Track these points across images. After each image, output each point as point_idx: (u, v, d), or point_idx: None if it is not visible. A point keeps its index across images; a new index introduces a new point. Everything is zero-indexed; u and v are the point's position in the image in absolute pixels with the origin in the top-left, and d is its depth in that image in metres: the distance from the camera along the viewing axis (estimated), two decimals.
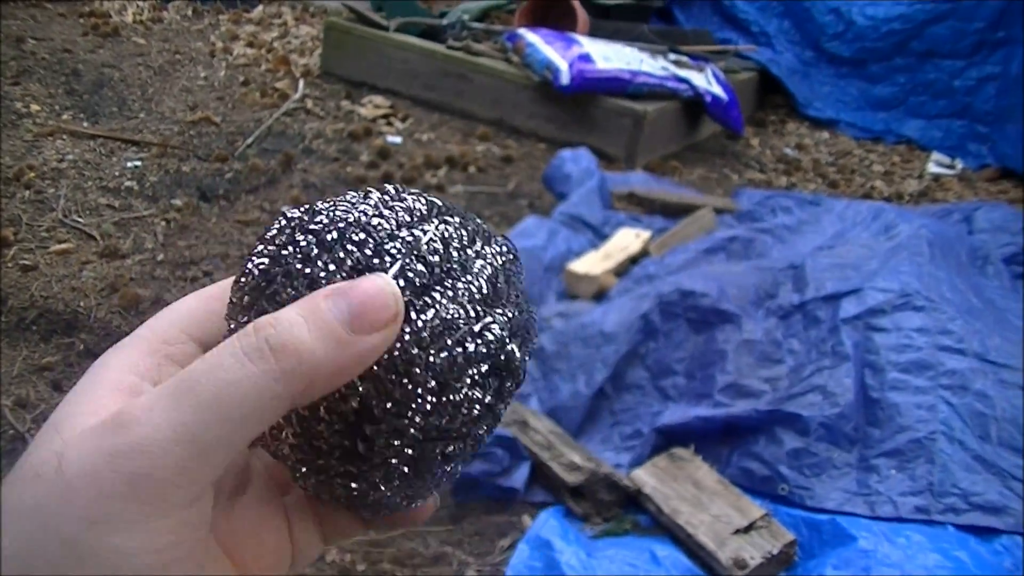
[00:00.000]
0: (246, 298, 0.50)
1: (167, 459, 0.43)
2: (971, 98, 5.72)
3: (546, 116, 4.94)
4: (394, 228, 0.50)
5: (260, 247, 0.51)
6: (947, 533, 2.31)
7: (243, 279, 0.51)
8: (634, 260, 3.49)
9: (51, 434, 0.46)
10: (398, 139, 4.70)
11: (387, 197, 0.53)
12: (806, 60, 6.09)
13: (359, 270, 0.48)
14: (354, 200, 0.52)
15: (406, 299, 0.48)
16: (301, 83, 5.18)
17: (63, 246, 3.32)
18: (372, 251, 0.49)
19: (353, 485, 0.50)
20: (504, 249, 0.54)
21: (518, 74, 4.99)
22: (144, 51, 5.30)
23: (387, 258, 0.49)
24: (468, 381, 0.49)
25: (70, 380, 2.73)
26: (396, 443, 0.48)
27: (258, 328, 0.45)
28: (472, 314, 0.49)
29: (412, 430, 0.48)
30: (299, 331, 0.45)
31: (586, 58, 4.80)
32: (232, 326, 0.50)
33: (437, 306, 0.48)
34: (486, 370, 0.50)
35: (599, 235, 3.71)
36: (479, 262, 0.52)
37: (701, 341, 2.85)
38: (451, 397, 0.48)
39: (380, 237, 0.49)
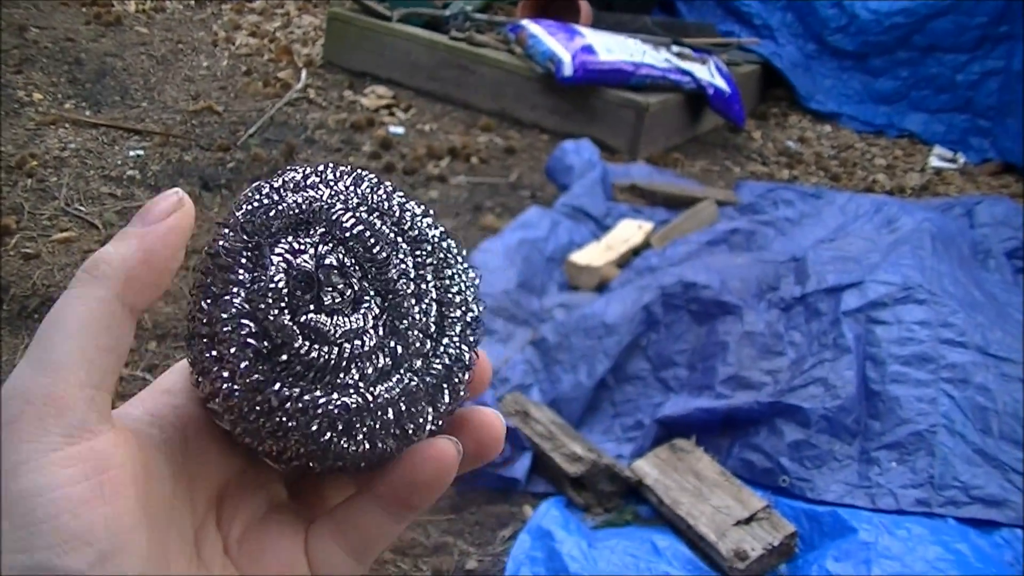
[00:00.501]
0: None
1: (32, 391, 0.45)
2: (973, 92, 5.71)
3: (549, 107, 4.94)
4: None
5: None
6: (948, 526, 2.32)
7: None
8: (636, 252, 3.49)
9: None
10: (400, 130, 4.69)
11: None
12: (808, 53, 6.08)
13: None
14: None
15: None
16: (303, 73, 5.18)
17: (65, 235, 3.32)
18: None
19: (233, 389, 0.51)
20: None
21: (521, 65, 4.98)
22: (147, 40, 5.29)
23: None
24: (279, 246, 0.52)
25: None
26: (235, 322, 0.50)
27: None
28: (271, 197, 0.54)
29: (240, 302, 0.50)
30: (103, 249, 0.50)
31: (589, 50, 4.80)
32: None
33: (237, 212, 0.54)
34: (312, 239, 0.52)
35: (601, 226, 3.71)
36: (289, 174, 0.56)
37: (703, 333, 2.85)
38: (262, 261, 0.51)
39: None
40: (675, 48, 5.25)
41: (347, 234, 0.52)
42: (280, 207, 0.52)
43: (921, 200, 4.52)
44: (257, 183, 0.55)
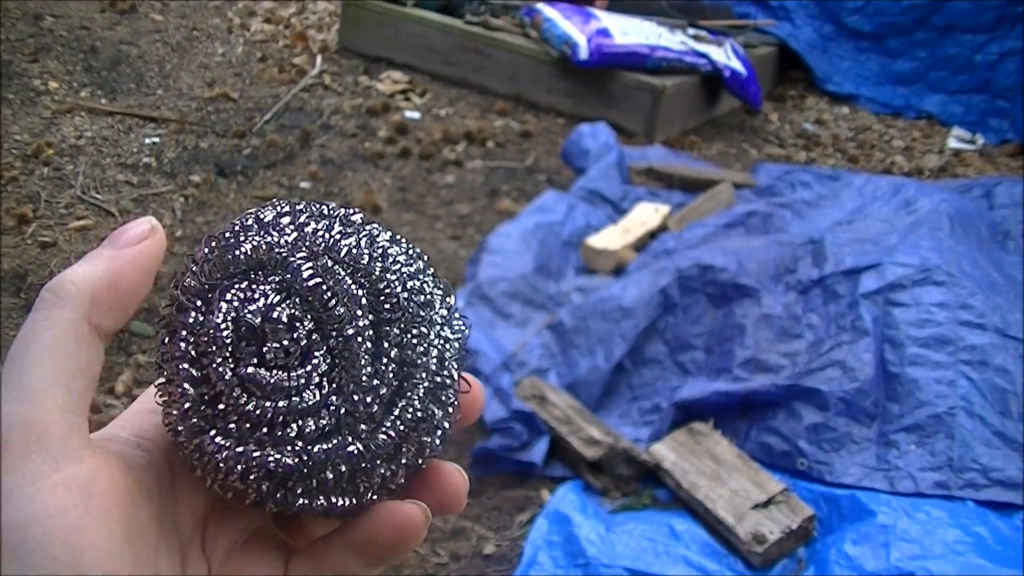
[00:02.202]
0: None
1: (11, 419, 0.45)
2: (992, 73, 5.67)
3: (564, 91, 4.92)
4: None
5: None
6: (967, 508, 2.31)
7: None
8: (653, 235, 3.48)
9: None
10: (416, 114, 4.69)
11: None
12: (826, 34, 6.05)
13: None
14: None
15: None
16: (319, 59, 5.17)
17: (82, 223, 3.32)
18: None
19: (176, 431, 0.51)
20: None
21: (536, 49, 4.97)
22: (161, 28, 5.29)
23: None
24: (230, 293, 0.51)
25: None
26: (179, 366, 0.51)
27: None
28: (224, 237, 0.53)
29: (187, 346, 0.51)
30: (69, 268, 0.50)
31: (604, 33, 4.78)
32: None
33: (204, 248, 0.53)
34: (269, 288, 0.52)
35: (618, 210, 3.70)
36: (264, 211, 0.55)
37: (720, 316, 2.84)
38: (211, 307, 0.51)
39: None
40: (691, 30, 5.23)
41: (304, 286, 0.51)
42: (239, 250, 0.52)
43: (939, 181, 4.50)
44: (240, 216, 0.55)
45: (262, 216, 0.54)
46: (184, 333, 0.51)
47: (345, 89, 4.89)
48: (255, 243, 0.52)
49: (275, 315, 0.51)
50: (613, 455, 2.46)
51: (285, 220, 0.53)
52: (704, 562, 2.23)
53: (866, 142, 5.29)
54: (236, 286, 0.51)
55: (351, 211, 0.55)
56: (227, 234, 0.53)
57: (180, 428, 0.51)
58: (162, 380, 0.52)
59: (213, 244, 0.52)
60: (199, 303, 0.51)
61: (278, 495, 0.52)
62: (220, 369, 0.50)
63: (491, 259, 3.18)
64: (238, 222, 0.54)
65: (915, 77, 5.84)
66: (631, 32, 4.88)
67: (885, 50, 5.92)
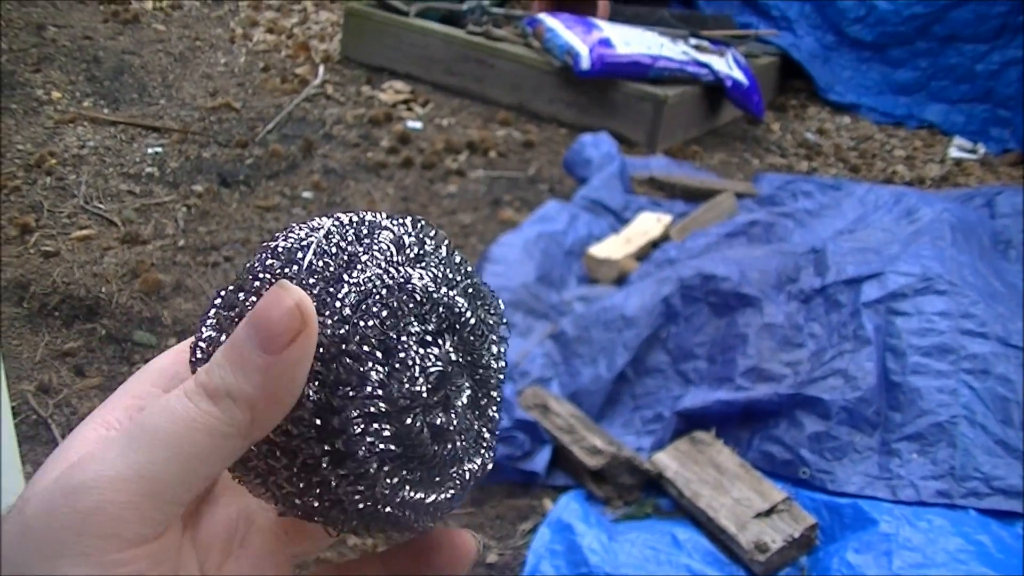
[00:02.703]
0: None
1: (118, 494, 0.43)
2: (993, 82, 5.68)
3: (566, 101, 4.93)
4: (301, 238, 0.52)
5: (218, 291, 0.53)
6: (969, 517, 2.31)
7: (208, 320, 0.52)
8: (655, 244, 3.49)
9: (27, 486, 0.47)
10: (418, 124, 4.69)
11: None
12: (827, 44, 6.06)
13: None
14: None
15: (319, 290, 0.49)
16: (321, 69, 5.18)
17: (84, 232, 3.33)
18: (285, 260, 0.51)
19: (355, 489, 0.49)
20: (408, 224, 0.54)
21: (538, 59, 4.98)
22: (164, 38, 5.30)
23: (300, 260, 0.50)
24: (411, 339, 0.49)
25: (92, 365, 2.75)
26: (370, 426, 0.47)
27: (198, 378, 0.47)
28: (389, 272, 0.50)
29: (377, 402, 0.47)
30: (225, 373, 0.46)
31: (606, 43, 4.79)
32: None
33: (350, 281, 0.49)
34: (433, 327, 0.50)
35: (620, 219, 3.71)
36: (384, 233, 0.52)
37: (722, 325, 2.84)
38: (399, 357, 0.48)
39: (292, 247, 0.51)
40: (693, 40, 5.24)
41: (467, 330, 0.51)
42: (406, 294, 0.49)
43: (941, 191, 4.50)
44: (357, 222, 0.53)
45: (396, 240, 0.52)
46: (368, 390, 0.47)
47: (347, 99, 4.90)
48: (419, 284, 0.50)
49: (454, 359, 0.51)
50: (615, 464, 2.46)
51: (418, 251, 0.52)
52: (706, 571, 2.23)
53: (868, 151, 5.30)
54: (410, 330, 0.49)
55: (438, 230, 0.55)
56: (389, 270, 0.50)
57: (352, 488, 0.49)
58: (304, 439, 0.49)
59: (374, 281, 0.49)
60: (373, 351, 0.48)
61: (398, 522, 0.51)
62: (415, 426, 0.49)
63: (493, 269, 3.18)
64: (383, 253, 0.51)
65: (916, 87, 5.85)
66: (633, 42, 4.89)
67: (886, 60, 5.93)
